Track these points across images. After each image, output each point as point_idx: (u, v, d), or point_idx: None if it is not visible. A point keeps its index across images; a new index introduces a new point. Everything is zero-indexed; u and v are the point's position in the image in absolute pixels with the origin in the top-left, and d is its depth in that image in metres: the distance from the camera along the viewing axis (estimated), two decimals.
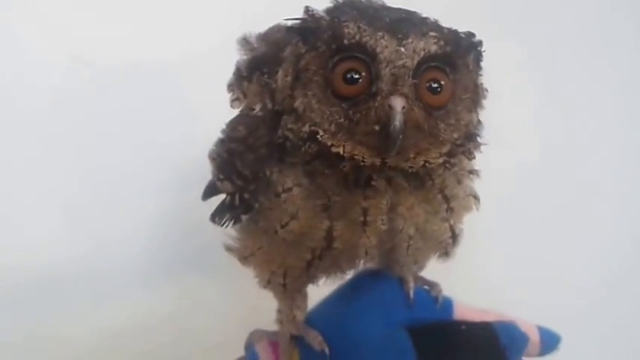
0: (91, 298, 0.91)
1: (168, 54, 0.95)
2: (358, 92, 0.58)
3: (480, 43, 0.63)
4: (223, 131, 0.67)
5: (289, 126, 0.61)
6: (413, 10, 0.63)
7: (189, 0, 0.99)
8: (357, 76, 0.58)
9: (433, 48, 0.58)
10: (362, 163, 0.58)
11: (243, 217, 0.66)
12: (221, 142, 0.67)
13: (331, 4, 0.63)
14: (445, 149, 0.61)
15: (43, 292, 0.90)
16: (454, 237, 0.67)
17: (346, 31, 0.58)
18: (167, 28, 0.96)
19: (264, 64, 0.64)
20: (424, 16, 0.62)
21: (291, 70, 0.61)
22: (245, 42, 0.69)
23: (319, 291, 0.68)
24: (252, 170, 0.63)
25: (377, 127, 0.57)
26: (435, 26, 0.61)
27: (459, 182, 0.65)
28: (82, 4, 0.94)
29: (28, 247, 0.89)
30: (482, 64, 0.64)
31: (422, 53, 0.57)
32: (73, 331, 0.89)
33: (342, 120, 0.58)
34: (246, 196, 0.64)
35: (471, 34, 0.64)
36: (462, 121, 0.62)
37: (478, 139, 0.65)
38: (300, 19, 0.61)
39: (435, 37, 0.58)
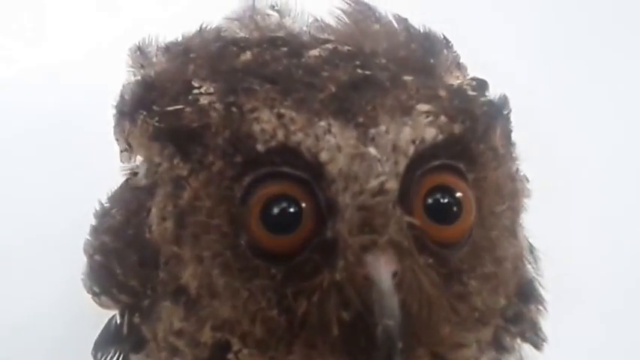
0: None
1: None
2: (298, 244, 0.35)
3: (506, 98, 0.41)
4: (96, 213, 0.45)
5: (176, 325, 0.38)
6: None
7: None
8: (292, 210, 0.34)
9: (431, 133, 0.35)
10: None
11: (134, 358, 0.44)
12: (94, 231, 0.45)
13: (230, 67, 0.41)
14: (487, 333, 0.37)
15: None
16: None
17: (257, 127, 0.35)
18: None
19: (157, 98, 0.42)
20: (402, 52, 0.41)
21: (171, 209, 0.38)
22: (139, 53, 0.48)
23: None
24: (140, 278, 0.41)
25: (346, 316, 0.33)
26: (427, 81, 0.38)
27: None
28: None
29: None
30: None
31: (411, 149, 0.34)
32: None
33: (274, 312, 0.35)
34: (137, 319, 0.42)
35: (484, 83, 0.40)
36: (506, 263, 0.38)
37: (540, 292, 0.40)
38: (174, 110, 0.39)
39: (430, 112, 0.35)
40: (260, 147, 0.34)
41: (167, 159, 0.39)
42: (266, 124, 0.35)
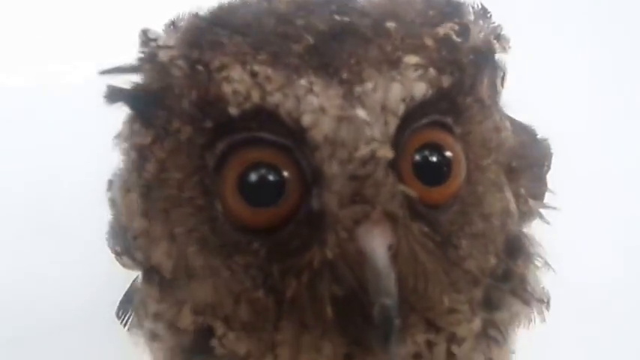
0: None
1: None
2: (281, 217, 0.32)
3: (491, 42, 0.36)
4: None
5: (151, 308, 0.35)
6: None
7: None
8: (273, 179, 0.31)
9: (420, 89, 0.31)
10: None
11: None
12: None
13: (192, 21, 0.36)
14: (478, 294, 0.35)
15: None
16: None
17: (228, 88, 0.31)
18: None
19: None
20: (418, 20, 0.35)
21: (136, 179, 0.35)
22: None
23: None
24: None
25: (339, 295, 0.31)
26: (412, 29, 0.33)
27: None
28: None
29: None
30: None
31: (401, 108, 0.31)
32: None
33: (260, 293, 0.32)
34: None
35: (467, 27, 0.35)
36: (494, 220, 0.35)
37: (527, 246, 0.38)
38: (129, 68, 0.35)
39: (418, 65, 0.31)
40: (233, 110, 0.31)
41: (127, 124, 0.36)
42: (238, 84, 0.31)
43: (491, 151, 0.36)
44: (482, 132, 0.36)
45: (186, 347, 0.34)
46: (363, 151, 0.30)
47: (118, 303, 0.46)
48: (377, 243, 0.29)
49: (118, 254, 0.43)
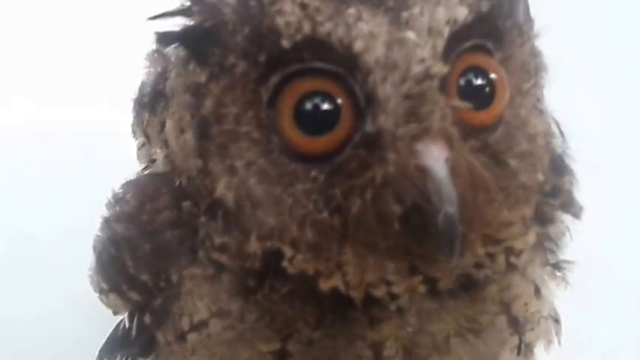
0: None
1: None
2: (336, 144, 0.33)
3: None
4: (108, 204, 0.42)
5: (217, 240, 0.36)
6: None
7: None
8: (328, 107, 0.32)
9: (462, 12, 0.33)
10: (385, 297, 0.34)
11: None
12: (105, 223, 0.42)
13: None
14: (529, 209, 0.36)
15: None
16: None
17: (280, 20, 0.32)
18: None
19: None
20: None
21: (190, 119, 0.36)
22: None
23: None
24: (152, 271, 0.38)
25: (397, 209, 0.32)
26: None
27: (537, 291, 0.40)
28: None
29: None
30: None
31: (446, 31, 0.32)
32: None
33: (324, 215, 0.33)
34: (147, 320, 0.39)
35: None
36: (539, 139, 0.37)
37: (571, 164, 0.40)
38: (178, 11, 0.36)
39: None
40: (285, 42, 0.32)
41: (180, 66, 0.36)
42: (290, 16, 0.32)
43: (530, 74, 0.38)
44: (521, 56, 0.37)
45: (257, 271, 0.35)
46: (417, 69, 0.31)
47: (101, 347, 0.43)
48: (436, 157, 0.31)
49: (103, 292, 0.42)
